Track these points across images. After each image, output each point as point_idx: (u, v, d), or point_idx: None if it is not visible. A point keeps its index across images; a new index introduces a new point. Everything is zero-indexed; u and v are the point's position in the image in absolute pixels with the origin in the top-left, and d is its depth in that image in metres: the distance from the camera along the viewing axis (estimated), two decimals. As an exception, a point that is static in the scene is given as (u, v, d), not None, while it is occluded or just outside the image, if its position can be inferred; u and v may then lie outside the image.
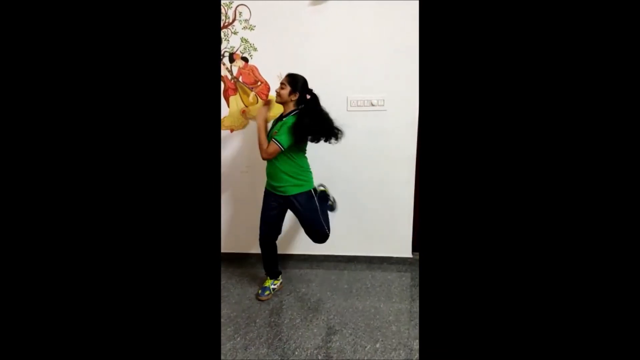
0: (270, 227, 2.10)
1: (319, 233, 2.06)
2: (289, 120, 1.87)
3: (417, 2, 1.97)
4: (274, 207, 2.04)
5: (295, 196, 1.98)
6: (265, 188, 2.08)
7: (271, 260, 2.20)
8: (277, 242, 2.19)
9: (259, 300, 2.16)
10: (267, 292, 2.19)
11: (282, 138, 1.84)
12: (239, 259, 2.62)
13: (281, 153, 1.89)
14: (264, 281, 2.26)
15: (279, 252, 2.49)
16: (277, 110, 2.09)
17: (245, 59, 2.25)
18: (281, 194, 1.99)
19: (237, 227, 2.57)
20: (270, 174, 2.00)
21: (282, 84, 1.89)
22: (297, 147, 1.92)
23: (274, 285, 2.24)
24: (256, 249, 2.58)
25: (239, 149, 2.41)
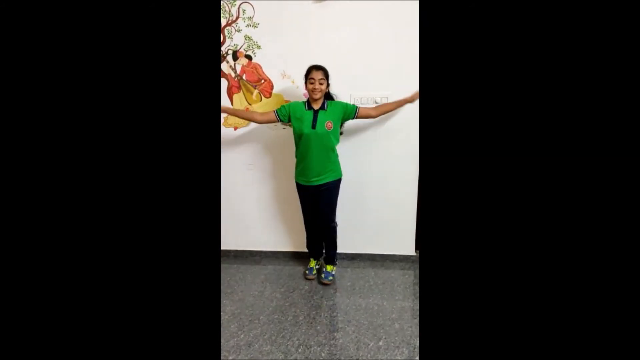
0: (313, 215, 2.23)
1: (332, 218, 2.23)
2: (338, 104, 2.06)
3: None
4: (312, 197, 2.16)
5: (334, 182, 2.13)
6: (299, 183, 2.16)
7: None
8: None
9: (307, 279, 2.34)
10: (314, 272, 2.37)
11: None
12: (243, 256, 2.63)
13: (334, 139, 2.08)
14: (308, 262, 2.42)
15: (284, 250, 2.61)
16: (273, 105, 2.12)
17: (248, 57, 2.25)
18: (317, 183, 2.09)
19: (242, 224, 2.58)
20: (311, 167, 2.06)
21: (320, 79, 1.96)
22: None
23: (318, 265, 2.42)
24: (260, 247, 2.62)
25: (242, 147, 2.42)
